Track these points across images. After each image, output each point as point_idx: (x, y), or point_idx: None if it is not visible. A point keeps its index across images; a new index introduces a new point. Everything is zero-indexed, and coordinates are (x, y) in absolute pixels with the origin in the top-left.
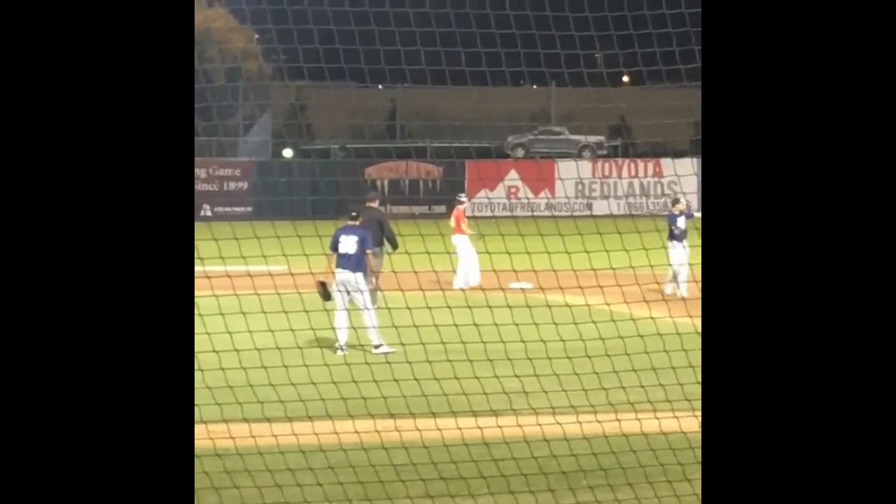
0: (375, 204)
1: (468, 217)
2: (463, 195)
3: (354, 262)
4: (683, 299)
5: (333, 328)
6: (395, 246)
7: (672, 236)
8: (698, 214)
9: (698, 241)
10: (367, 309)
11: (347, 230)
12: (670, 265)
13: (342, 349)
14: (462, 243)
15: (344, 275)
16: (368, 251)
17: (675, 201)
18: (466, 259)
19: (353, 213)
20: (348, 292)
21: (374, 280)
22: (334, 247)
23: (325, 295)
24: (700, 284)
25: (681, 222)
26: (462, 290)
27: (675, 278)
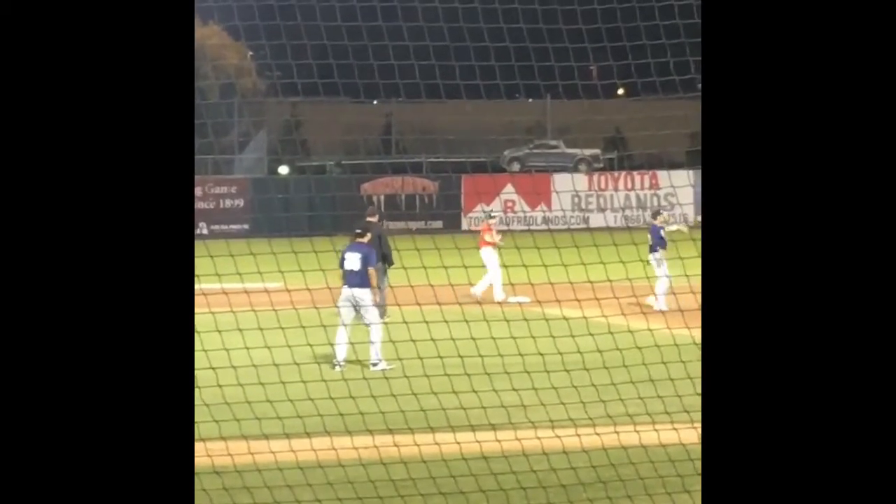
0: (375, 219)
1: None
2: (494, 211)
3: (359, 279)
4: (663, 313)
5: (332, 343)
6: (390, 262)
7: (655, 248)
8: (673, 228)
9: (690, 252)
10: (372, 324)
11: (353, 247)
12: (667, 276)
13: (340, 365)
14: (488, 255)
15: (349, 291)
16: (371, 268)
17: (657, 213)
18: (494, 270)
19: (358, 231)
20: (355, 308)
21: (375, 296)
22: (342, 264)
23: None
24: (698, 295)
25: (663, 234)
26: (477, 297)
27: (661, 289)
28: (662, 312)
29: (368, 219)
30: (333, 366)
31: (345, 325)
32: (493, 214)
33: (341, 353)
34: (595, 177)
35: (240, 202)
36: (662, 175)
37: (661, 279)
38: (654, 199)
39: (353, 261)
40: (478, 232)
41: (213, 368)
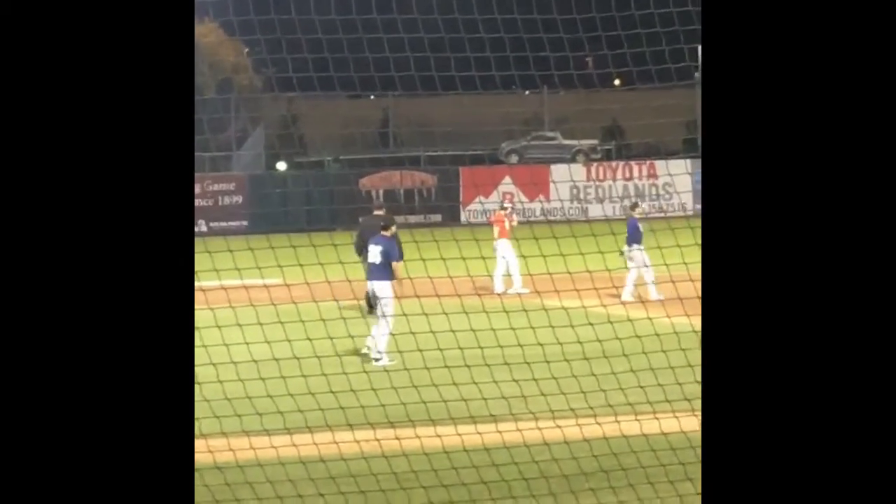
0: (381, 212)
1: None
2: (506, 203)
3: (378, 272)
4: (662, 301)
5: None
6: (399, 256)
7: (634, 240)
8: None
9: (688, 240)
10: (384, 317)
11: (376, 240)
12: (638, 268)
13: (370, 351)
14: (504, 246)
15: (370, 284)
16: (394, 262)
17: (634, 205)
18: (508, 261)
19: (383, 223)
20: (376, 300)
21: (396, 290)
22: (366, 256)
23: (370, 306)
24: (696, 283)
25: (640, 226)
26: (500, 294)
27: (642, 281)
28: (662, 302)
29: (376, 212)
30: (365, 353)
31: (375, 317)
32: (504, 206)
33: (372, 342)
34: (593, 167)
35: (238, 199)
36: (660, 164)
37: (634, 269)
38: (653, 188)
39: (374, 253)
40: (478, 225)
41: (214, 364)
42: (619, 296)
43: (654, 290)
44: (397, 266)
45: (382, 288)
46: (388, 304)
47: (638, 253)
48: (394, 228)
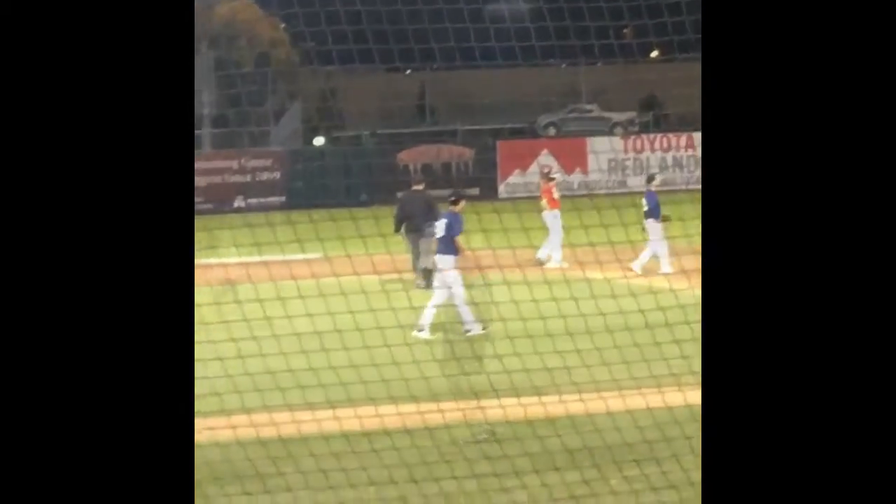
0: (421, 187)
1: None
2: (554, 173)
3: (441, 245)
4: (667, 275)
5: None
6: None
7: (653, 214)
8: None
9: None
10: (437, 289)
11: (443, 214)
12: (651, 240)
13: (473, 327)
14: (552, 218)
15: (435, 257)
16: (455, 236)
17: (651, 178)
18: (556, 234)
19: (453, 199)
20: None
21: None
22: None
23: (428, 283)
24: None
25: (657, 199)
26: (540, 261)
27: (656, 255)
28: (667, 275)
29: (415, 187)
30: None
31: (437, 289)
32: (552, 176)
33: (465, 317)
34: (631, 140)
35: (276, 175)
36: (698, 135)
37: (654, 242)
38: (692, 160)
39: (440, 227)
40: (516, 198)
41: (256, 338)
42: (659, 268)
43: (639, 266)
44: (458, 241)
45: (440, 261)
46: (442, 278)
47: (652, 226)
48: (463, 203)
